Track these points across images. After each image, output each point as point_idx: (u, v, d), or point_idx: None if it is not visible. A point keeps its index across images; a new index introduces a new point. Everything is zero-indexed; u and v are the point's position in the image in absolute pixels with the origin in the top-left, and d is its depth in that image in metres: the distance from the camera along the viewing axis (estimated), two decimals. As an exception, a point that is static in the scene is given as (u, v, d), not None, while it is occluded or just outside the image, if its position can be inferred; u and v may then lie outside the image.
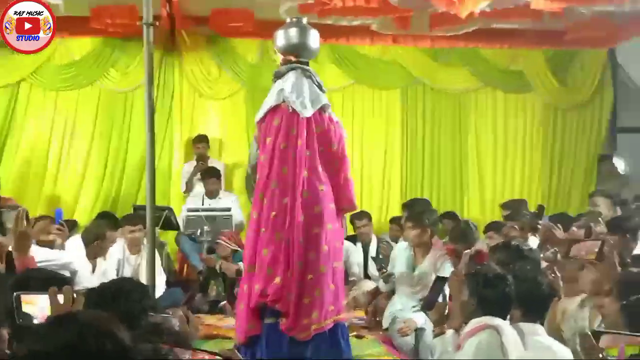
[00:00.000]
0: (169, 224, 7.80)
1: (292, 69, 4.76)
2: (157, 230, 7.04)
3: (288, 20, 4.94)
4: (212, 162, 8.95)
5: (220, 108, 9.57)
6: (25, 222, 3.56)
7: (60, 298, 2.29)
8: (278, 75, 4.82)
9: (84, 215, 8.67)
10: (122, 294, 2.95)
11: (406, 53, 9.63)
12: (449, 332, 4.04)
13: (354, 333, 6.11)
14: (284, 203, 4.56)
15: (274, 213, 4.56)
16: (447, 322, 4.01)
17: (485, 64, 9.79)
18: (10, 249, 3.67)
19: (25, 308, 2.38)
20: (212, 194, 8.46)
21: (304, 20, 4.93)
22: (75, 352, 1.74)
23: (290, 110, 4.63)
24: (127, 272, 6.74)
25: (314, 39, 4.86)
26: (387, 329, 6.11)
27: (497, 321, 3.44)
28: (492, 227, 6.86)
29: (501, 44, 9.56)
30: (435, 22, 8.37)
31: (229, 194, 8.79)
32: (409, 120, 9.76)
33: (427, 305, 4.12)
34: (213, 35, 9.22)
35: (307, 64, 4.84)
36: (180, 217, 8.09)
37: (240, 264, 7.22)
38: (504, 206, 8.36)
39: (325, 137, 4.68)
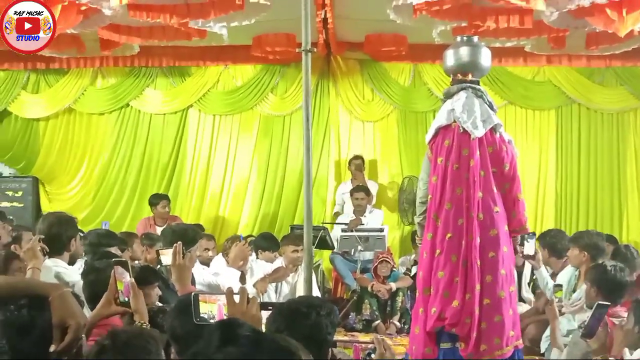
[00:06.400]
0: (324, 243, 8.03)
1: (463, 88, 4.71)
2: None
3: (458, 39, 4.91)
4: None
5: (374, 130, 9.77)
6: (182, 256, 3.72)
7: (237, 298, 2.37)
8: (448, 95, 4.79)
9: (245, 235, 9.06)
10: (312, 309, 2.94)
11: (560, 73, 9.45)
12: (611, 361, 3.95)
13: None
14: (459, 224, 4.50)
15: (449, 234, 4.52)
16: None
17: (644, 82, 9.46)
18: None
19: (203, 308, 2.48)
20: (360, 209, 8.59)
21: (475, 39, 4.88)
22: None
23: (461, 131, 4.57)
24: (285, 291, 6.94)
25: (485, 57, 4.80)
26: (543, 354, 6.03)
27: (666, 351, 3.33)
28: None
29: (661, 62, 9.20)
30: (592, 41, 8.18)
31: (375, 209, 8.92)
32: (564, 141, 9.54)
33: (588, 332, 4.01)
34: (366, 60, 9.47)
35: (477, 83, 4.78)
36: (335, 237, 8.34)
37: (392, 284, 7.39)
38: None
39: (497, 158, 4.61)
